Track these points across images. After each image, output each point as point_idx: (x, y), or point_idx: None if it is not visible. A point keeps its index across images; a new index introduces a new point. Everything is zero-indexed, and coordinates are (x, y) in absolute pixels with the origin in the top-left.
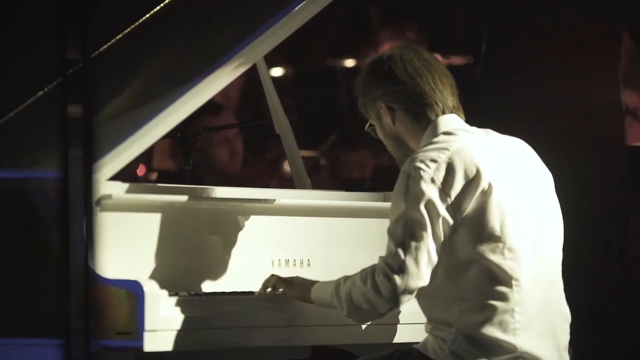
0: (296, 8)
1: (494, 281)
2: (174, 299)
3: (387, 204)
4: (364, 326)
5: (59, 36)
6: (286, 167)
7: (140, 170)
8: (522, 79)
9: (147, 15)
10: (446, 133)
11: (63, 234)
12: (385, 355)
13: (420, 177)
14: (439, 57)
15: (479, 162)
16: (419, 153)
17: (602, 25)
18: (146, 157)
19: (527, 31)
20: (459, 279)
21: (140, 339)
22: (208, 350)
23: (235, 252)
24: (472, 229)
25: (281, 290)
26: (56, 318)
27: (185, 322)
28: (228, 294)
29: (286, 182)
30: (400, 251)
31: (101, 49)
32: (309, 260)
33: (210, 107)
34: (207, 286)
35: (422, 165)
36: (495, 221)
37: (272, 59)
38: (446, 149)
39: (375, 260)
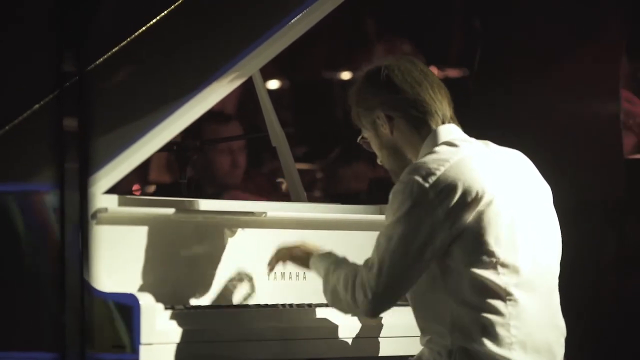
0: (292, 21)
1: (488, 295)
2: (170, 312)
3: (383, 217)
4: (359, 340)
5: (55, 49)
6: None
7: (136, 190)
8: (517, 89)
9: (143, 29)
10: (446, 143)
11: (59, 247)
12: None
13: (418, 190)
14: (434, 70)
15: (479, 176)
16: (418, 163)
17: (600, 40)
18: (143, 170)
19: (522, 43)
20: (455, 292)
21: (136, 352)
22: None
23: (231, 265)
24: (467, 243)
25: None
26: (52, 331)
27: (181, 335)
28: (224, 307)
29: (282, 195)
30: (379, 269)
31: (97, 63)
32: (304, 273)
33: (214, 118)
34: (203, 299)
35: (419, 178)
36: (489, 236)
37: (268, 72)
38: (446, 160)
39: None
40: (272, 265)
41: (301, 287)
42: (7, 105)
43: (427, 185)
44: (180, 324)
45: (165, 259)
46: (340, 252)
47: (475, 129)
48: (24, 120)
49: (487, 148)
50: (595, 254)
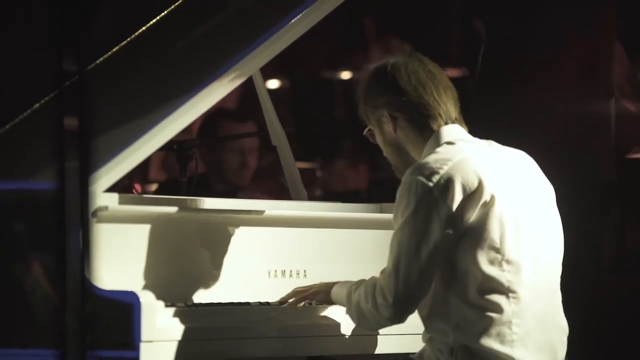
0: (292, 21)
1: (492, 293)
2: (171, 310)
3: (384, 215)
4: (359, 337)
5: (55, 48)
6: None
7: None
8: (517, 91)
9: (143, 28)
10: (449, 143)
11: (59, 246)
12: None
13: (421, 190)
14: None
15: (481, 174)
16: (420, 163)
17: (595, 37)
18: (143, 168)
19: (522, 44)
20: (458, 289)
21: (136, 349)
22: None
23: (231, 263)
24: (472, 241)
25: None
26: (53, 329)
27: (181, 333)
28: (224, 304)
29: (283, 193)
30: (395, 271)
31: (97, 62)
32: (305, 271)
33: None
34: (204, 297)
35: (422, 178)
36: (495, 233)
37: (268, 71)
38: (449, 159)
39: (371, 272)
40: (284, 301)
41: (302, 285)
42: (8, 104)
43: (430, 184)
44: (180, 322)
45: (166, 257)
46: (340, 250)
47: (475, 129)
48: (25, 119)
49: (490, 148)
50: (595, 254)
